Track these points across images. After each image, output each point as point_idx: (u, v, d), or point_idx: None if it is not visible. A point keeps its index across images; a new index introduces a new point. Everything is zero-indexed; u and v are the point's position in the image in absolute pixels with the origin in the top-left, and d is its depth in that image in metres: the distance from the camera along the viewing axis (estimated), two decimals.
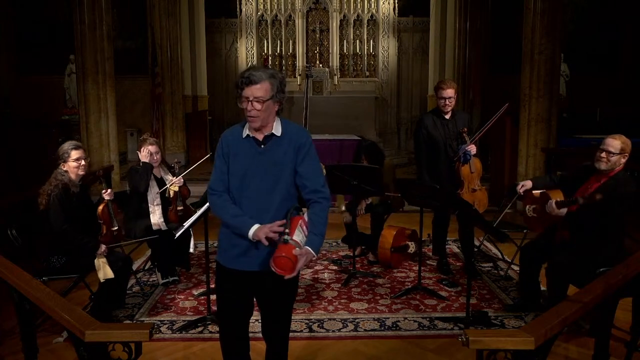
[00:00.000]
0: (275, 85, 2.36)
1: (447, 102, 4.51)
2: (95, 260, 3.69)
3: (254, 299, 2.61)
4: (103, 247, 3.77)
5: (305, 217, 2.43)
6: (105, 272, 3.68)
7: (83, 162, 3.82)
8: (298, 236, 2.33)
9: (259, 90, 2.33)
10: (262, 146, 2.42)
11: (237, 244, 2.45)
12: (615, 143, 3.50)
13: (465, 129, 4.55)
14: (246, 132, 2.45)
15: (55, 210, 3.65)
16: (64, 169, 3.78)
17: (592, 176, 3.66)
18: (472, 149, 4.47)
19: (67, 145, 3.83)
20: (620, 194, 3.48)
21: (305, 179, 2.43)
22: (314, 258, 2.35)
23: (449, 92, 4.49)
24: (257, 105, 2.34)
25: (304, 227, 2.38)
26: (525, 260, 3.93)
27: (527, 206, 3.91)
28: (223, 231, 2.53)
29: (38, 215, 3.73)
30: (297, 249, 2.28)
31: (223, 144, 2.47)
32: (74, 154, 3.78)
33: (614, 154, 3.49)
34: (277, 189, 2.40)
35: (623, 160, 3.52)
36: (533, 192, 3.90)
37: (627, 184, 3.53)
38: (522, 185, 3.96)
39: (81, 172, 3.84)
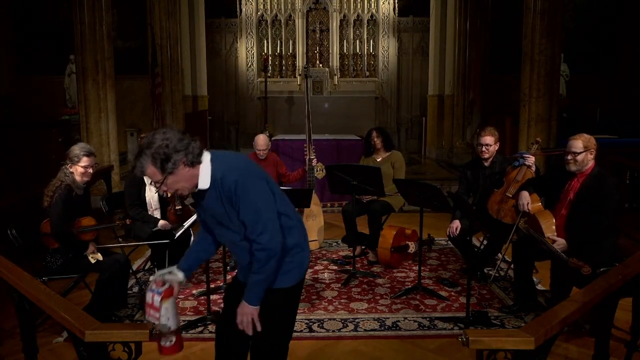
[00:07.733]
0: (158, 162, 2.13)
1: (485, 150, 4.54)
2: (86, 256, 3.82)
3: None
4: (91, 248, 3.84)
5: (169, 286, 2.40)
6: (95, 257, 3.83)
7: (90, 170, 3.81)
8: (163, 317, 2.34)
9: (152, 176, 2.19)
10: (202, 201, 2.32)
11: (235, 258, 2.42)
12: (577, 143, 3.66)
13: (539, 139, 4.81)
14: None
15: (57, 212, 3.65)
16: (70, 169, 3.75)
17: (569, 179, 3.77)
18: (530, 159, 4.39)
19: (79, 149, 3.77)
20: (606, 192, 3.57)
21: (244, 226, 2.27)
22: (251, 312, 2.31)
23: (487, 140, 4.53)
24: (163, 187, 2.23)
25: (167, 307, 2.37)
26: (518, 256, 3.95)
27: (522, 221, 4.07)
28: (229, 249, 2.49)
29: (42, 211, 3.74)
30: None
31: None
32: (85, 160, 3.75)
33: (578, 153, 3.64)
34: (238, 236, 2.30)
35: (591, 156, 3.67)
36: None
37: (605, 179, 3.63)
38: (528, 203, 3.99)
39: (86, 179, 3.82)
